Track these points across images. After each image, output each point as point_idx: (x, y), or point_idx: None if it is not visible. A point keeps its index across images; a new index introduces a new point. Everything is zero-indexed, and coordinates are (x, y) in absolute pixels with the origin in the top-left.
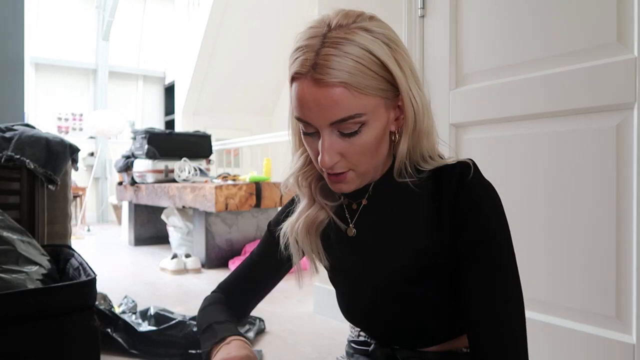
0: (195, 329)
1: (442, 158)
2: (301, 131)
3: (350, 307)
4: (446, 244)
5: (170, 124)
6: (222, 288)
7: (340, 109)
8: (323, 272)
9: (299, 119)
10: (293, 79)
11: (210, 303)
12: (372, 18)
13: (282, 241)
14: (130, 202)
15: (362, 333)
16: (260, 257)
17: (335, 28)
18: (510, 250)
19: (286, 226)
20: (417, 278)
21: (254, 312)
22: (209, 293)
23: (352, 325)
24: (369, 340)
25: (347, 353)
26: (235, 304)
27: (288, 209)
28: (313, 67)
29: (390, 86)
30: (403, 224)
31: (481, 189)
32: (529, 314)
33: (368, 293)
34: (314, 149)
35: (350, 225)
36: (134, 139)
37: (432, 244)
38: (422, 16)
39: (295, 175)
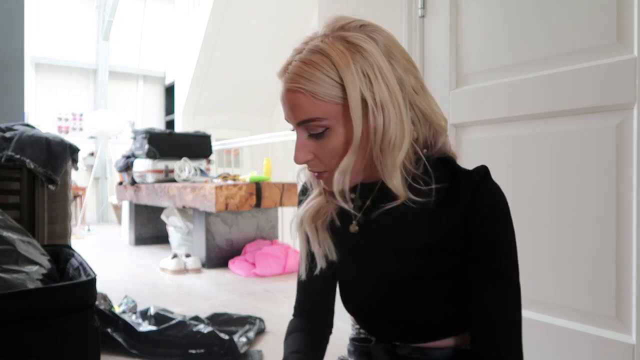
0: (194, 329)
1: (454, 158)
2: None
3: (352, 298)
4: (453, 245)
5: (170, 124)
6: (298, 309)
7: (302, 111)
8: None
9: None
10: None
11: (290, 331)
12: (363, 27)
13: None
14: (130, 202)
15: (362, 330)
16: (309, 263)
17: (316, 37)
18: (514, 259)
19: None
20: (418, 276)
21: (254, 312)
22: (210, 293)
23: (353, 323)
24: (369, 337)
25: (349, 351)
26: (316, 318)
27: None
28: (285, 71)
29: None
30: (405, 225)
31: (496, 198)
32: (529, 314)
33: (370, 286)
34: None
35: (354, 222)
36: (134, 139)
37: (436, 245)
38: (422, 16)
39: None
